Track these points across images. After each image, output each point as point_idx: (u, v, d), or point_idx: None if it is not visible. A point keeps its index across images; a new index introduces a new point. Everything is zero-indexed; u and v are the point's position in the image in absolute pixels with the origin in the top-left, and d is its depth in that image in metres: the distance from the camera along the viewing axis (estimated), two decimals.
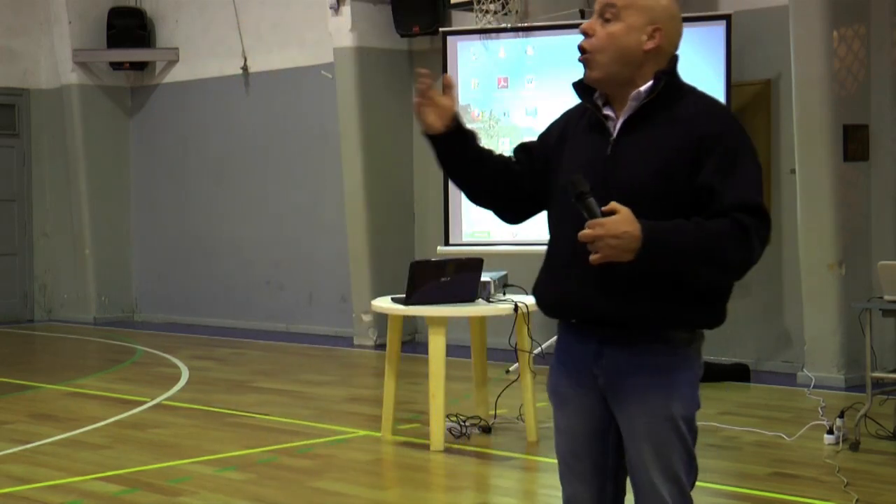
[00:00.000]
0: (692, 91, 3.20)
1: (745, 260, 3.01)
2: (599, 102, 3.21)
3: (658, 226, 2.95)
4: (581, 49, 3.19)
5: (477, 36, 10.10)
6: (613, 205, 2.94)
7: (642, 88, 3.13)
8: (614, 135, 3.15)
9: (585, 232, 2.93)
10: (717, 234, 2.96)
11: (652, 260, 2.96)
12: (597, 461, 3.23)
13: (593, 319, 3.15)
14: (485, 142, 12.06)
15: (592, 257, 2.95)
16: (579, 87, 3.26)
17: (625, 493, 3.29)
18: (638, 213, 2.94)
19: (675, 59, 3.20)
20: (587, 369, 3.19)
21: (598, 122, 3.21)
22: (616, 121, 3.17)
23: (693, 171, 3.04)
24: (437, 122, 3.28)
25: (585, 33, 3.18)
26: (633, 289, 3.05)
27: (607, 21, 3.15)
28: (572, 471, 3.27)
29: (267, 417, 8.02)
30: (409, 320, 10.42)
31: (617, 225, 2.91)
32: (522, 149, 3.43)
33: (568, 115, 3.38)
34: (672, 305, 3.07)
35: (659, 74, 3.14)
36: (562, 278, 3.18)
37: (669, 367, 3.12)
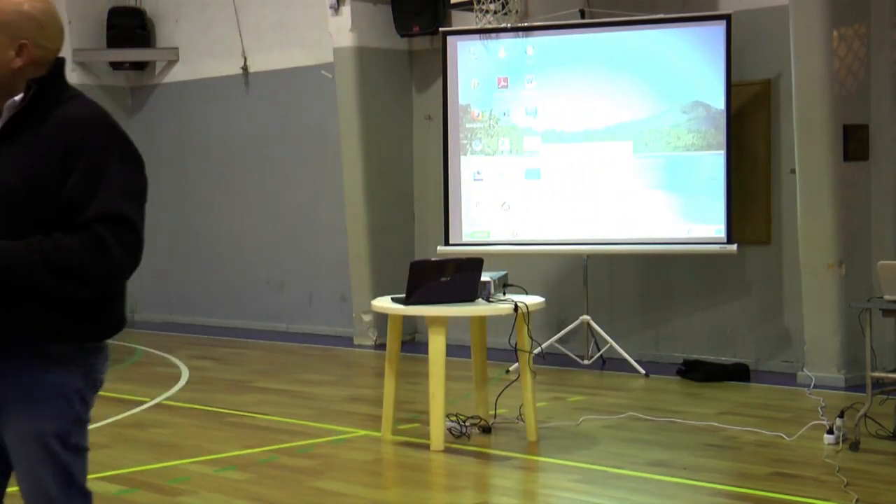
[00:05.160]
0: (75, 97, 3.17)
1: (105, 271, 2.99)
2: None
3: (7, 246, 2.93)
4: None
5: (477, 36, 10.10)
6: None
7: (17, 98, 3.09)
8: None
9: None
10: (70, 249, 2.94)
11: (6, 279, 2.94)
12: None
13: None
14: (485, 141, 11.98)
15: None
16: None
17: None
18: (9, 225, 2.96)
19: (57, 62, 3.19)
20: None
21: None
22: None
23: (61, 182, 2.99)
24: None
25: None
26: (3, 303, 3.00)
27: None
28: None
29: (267, 417, 8.02)
30: (409, 320, 10.42)
31: None
32: None
33: None
34: (49, 319, 3.02)
35: (30, 83, 3.09)
36: None
37: (45, 382, 3.07)
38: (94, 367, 3.18)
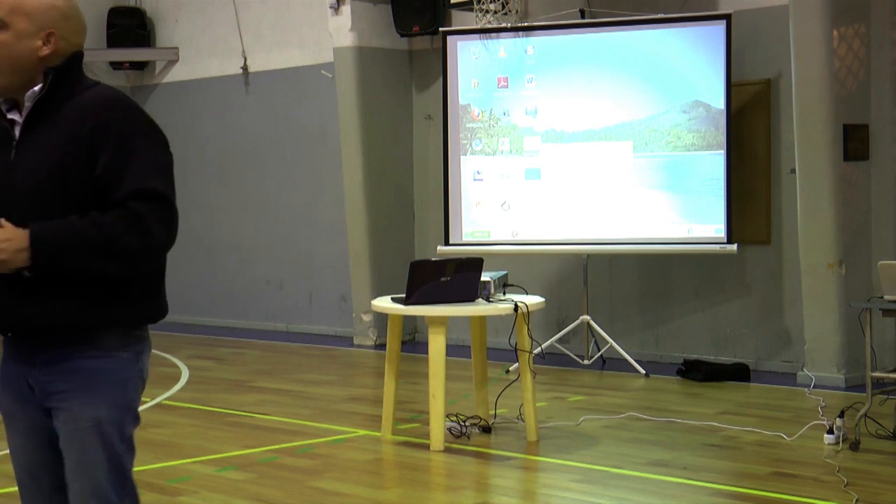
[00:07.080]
0: (94, 85, 3.15)
1: (144, 246, 2.97)
2: (4, 108, 3.16)
3: (46, 226, 2.94)
4: None
5: (477, 36, 10.10)
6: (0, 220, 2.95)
7: (36, 88, 3.10)
8: (16, 138, 3.11)
9: None
10: (108, 226, 2.94)
11: (47, 260, 2.93)
12: (53, 479, 3.17)
13: (21, 330, 3.10)
14: (485, 141, 11.94)
15: None
16: None
17: None
18: (43, 213, 2.97)
19: (75, 56, 3.15)
20: (26, 384, 3.14)
21: (4, 128, 3.15)
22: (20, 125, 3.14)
23: (91, 164, 3.01)
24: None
25: None
26: (52, 292, 3.01)
27: None
28: (30, 490, 3.23)
29: (267, 417, 8.02)
30: (409, 320, 10.42)
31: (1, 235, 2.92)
32: None
33: None
34: (95, 305, 3.03)
35: (47, 71, 3.09)
36: None
37: (96, 369, 3.08)
38: (141, 356, 3.19)
